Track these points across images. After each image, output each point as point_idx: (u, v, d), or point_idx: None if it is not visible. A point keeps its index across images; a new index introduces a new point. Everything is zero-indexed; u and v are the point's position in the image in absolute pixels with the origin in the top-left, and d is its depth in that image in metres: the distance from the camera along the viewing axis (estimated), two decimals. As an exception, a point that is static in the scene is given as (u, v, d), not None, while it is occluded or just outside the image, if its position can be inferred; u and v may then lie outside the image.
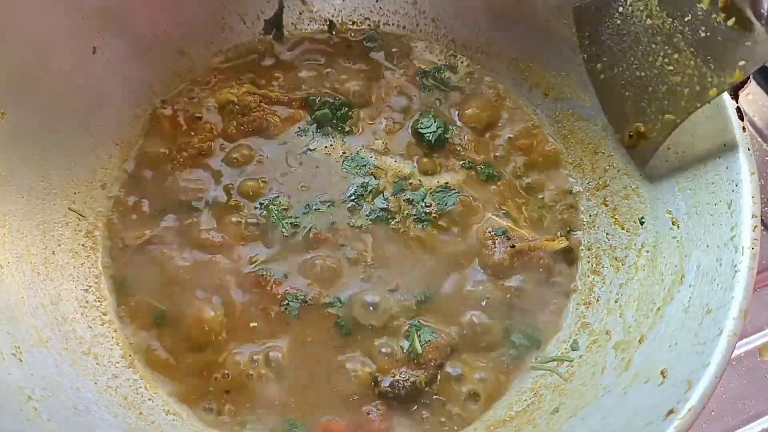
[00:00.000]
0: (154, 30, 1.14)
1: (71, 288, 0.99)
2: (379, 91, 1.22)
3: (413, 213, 1.09)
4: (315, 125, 1.17)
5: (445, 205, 1.10)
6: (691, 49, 0.90)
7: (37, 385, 0.83)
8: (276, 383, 0.97)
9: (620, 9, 0.98)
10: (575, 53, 1.11)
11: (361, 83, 1.22)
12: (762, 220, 0.90)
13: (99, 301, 1.01)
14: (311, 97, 1.19)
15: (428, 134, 1.15)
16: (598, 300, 1.03)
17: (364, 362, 0.98)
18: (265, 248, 1.06)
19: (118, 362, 0.96)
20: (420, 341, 0.98)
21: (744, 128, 0.91)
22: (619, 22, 0.99)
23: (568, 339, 1.02)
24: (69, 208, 1.04)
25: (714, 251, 0.88)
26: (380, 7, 1.26)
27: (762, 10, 0.85)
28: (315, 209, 1.09)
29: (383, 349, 0.99)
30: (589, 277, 1.06)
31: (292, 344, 0.99)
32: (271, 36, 1.25)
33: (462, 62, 1.25)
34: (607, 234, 1.07)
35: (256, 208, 1.09)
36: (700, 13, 0.89)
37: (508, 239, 1.06)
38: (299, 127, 1.18)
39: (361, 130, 1.18)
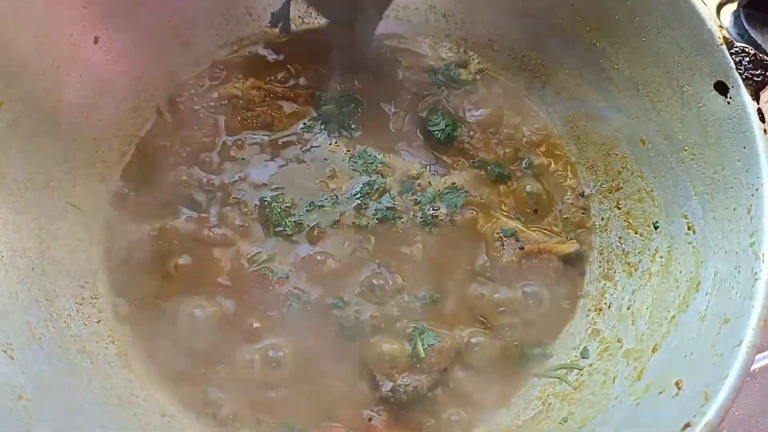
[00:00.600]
0: (158, 20, 1.11)
1: (66, 284, 0.96)
2: (387, 87, 1.19)
3: (420, 215, 1.06)
4: (320, 121, 1.14)
5: (454, 207, 1.07)
6: None
7: (29, 384, 0.80)
8: (275, 386, 0.95)
9: None
10: (590, 51, 1.09)
11: (368, 79, 1.19)
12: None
13: (95, 298, 0.98)
14: (317, 93, 1.16)
15: (437, 132, 1.12)
16: (609, 306, 1.00)
17: (365, 366, 0.95)
18: (268, 246, 1.03)
19: (112, 361, 0.94)
20: (423, 345, 0.95)
21: (765, 131, 0.87)
22: None
23: (578, 346, 0.99)
24: (67, 202, 1.01)
25: (732, 258, 0.84)
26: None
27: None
28: (319, 207, 1.06)
29: (385, 353, 0.96)
30: (600, 282, 1.03)
31: (292, 346, 0.96)
32: (277, 29, 1.22)
33: (473, 59, 1.22)
34: (619, 238, 1.04)
35: (257, 205, 1.06)
36: None
37: (517, 241, 1.03)
38: (304, 123, 1.15)
39: (367, 127, 1.15)
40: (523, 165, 1.12)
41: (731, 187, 0.89)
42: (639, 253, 1.00)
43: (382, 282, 1.01)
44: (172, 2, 1.11)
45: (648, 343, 0.89)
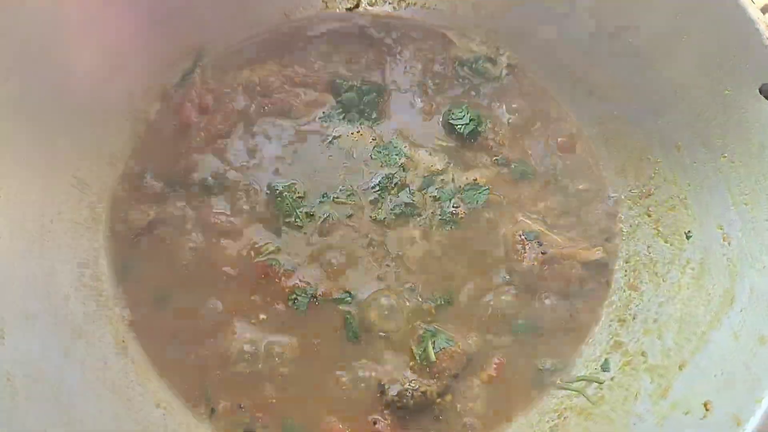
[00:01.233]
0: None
1: (67, 260, 0.92)
2: (411, 78, 1.14)
3: (439, 213, 1.01)
4: (340, 110, 1.10)
5: (475, 203, 1.02)
6: None
7: (19, 368, 0.76)
8: (276, 382, 0.90)
9: None
10: (624, 48, 1.03)
11: (392, 69, 1.14)
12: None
13: (96, 279, 0.95)
14: (337, 80, 1.12)
15: (460, 126, 1.07)
16: (634, 318, 0.94)
17: (372, 367, 0.90)
18: (277, 237, 0.99)
19: (109, 345, 0.90)
20: (434, 348, 0.90)
21: (814, 139, 0.82)
22: None
23: (599, 358, 0.94)
24: (73, 176, 0.97)
25: (771, 273, 0.79)
26: (420, -10, 1.18)
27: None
28: (333, 198, 1.01)
29: (394, 355, 0.91)
30: (625, 291, 0.97)
31: (296, 341, 0.92)
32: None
33: (503, 53, 1.16)
34: (648, 246, 0.98)
35: (267, 194, 1.01)
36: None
37: (540, 245, 0.98)
38: (323, 112, 1.10)
39: (389, 118, 1.10)
40: (549, 165, 1.07)
41: (773, 198, 0.83)
42: (668, 263, 0.94)
43: (395, 280, 0.96)
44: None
45: (675, 360, 0.83)
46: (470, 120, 1.07)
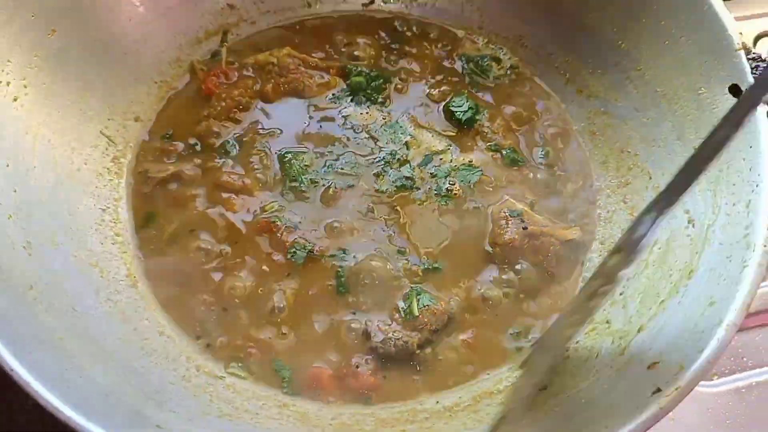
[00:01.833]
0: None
1: (90, 204, 1.02)
2: (418, 69, 1.24)
3: (435, 188, 1.09)
4: (349, 92, 1.19)
5: (468, 182, 1.10)
6: None
7: (41, 279, 0.85)
8: (270, 325, 0.98)
9: None
10: (613, 52, 1.13)
11: (401, 61, 1.24)
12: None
13: (114, 222, 1.04)
14: (348, 66, 1.22)
15: (459, 113, 1.16)
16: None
17: (360, 317, 0.98)
18: (282, 198, 1.08)
19: (122, 280, 0.99)
20: (418, 305, 0.98)
21: (772, 131, 0.90)
22: None
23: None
24: (101, 132, 1.07)
25: (726, 249, 0.86)
26: (430, -10, 1.28)
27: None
28: (339, 169, 1.10)
29: (381, 308, 0.99)
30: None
31: (292, 291, 1.00)
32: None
33: (506, 55, 1.26)
34: (622, 230, 1.06)
35: (278, 158, 1.11)
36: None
37: (522, 221, 1.06)
38: (333, 94, 1.20)
39: (394, 102, 1.19)
40: (539, 154, 1.16)
41: (734, 184, 0.91)
42: (639, 244, 1.02)
43: (388, 242, 1.04)
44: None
45: (635, 325, 0.90)
46: (469, 108, 1.17)
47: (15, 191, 0.90)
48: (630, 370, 0.83)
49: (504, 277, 1.04)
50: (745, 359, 1.09)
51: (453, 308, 1.00)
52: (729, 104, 0.95)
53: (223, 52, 1.22)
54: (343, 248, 1.03)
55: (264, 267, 1.02)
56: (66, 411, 0.69)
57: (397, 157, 1.12)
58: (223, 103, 1.17)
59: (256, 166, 1.10)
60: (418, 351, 0.96)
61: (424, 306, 0.98)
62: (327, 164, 1.11)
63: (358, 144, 1.13)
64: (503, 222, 1.06)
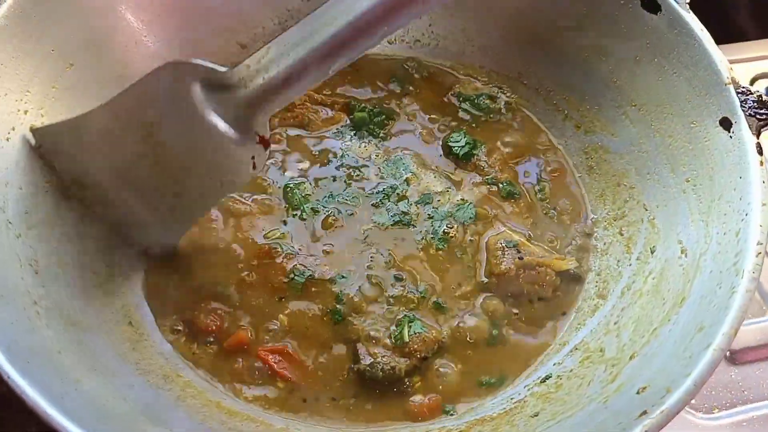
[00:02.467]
0: (213, 19, 1.24)
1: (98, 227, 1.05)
2: (418, 107, 1.28)
3: (431, 231, 1.11)
4: (351, 127, 1.23)
5: (464, 221, 1.12)
6: None
7: (45, 298, 0.88)
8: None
9: None
10: (610, 89, 1.16)
11: (402, 100, 1.29)
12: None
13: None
14: (353, 102, 1.26)
15: (457, 148, 1.19)
16: (598, 323, 1.02)
17: (352, 341, 1.00)
18: (284, 226, 1.11)
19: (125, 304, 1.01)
20: (409, 332, 0.99)
21: (762, 162, 0.91)
22: None
23: (562, 361, 1.01)
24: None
25: (716, 276, 0.87)
26: (432, 31, 1.33)
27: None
28: (339, 199, 1.13)
29: (372, 332, 1.00)
30: (594, 300, 1.06)
31: (288, 315, 1.02)
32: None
33: (503, 92, 1.29)
34: (618, 261, 1.07)
35: (280, 188, 1.14)
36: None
37: (518, 252, 1.07)
38: (337, 128, 1.24)
39: (395, 137, 1.23)
40: (536, 188, 1.18)
41: (725, 214, 0.92)
42: (634, 275, 1.03)
43: (386, 269, 1.06)
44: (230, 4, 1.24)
45: (627, 353, 0.91)
46: (466, 143, 1.20)
47: (26, 213, 0.94)
48: (620, 395, 0.83)
49: (499, 305, 1.05)
50: (745, 392, 1.08)
51: (444, 336, 1.01)
52: (720, 137, 0.97)
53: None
54: (341, 275, 1.05)
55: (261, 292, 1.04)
56: (60, 419, 0.71)
57: (397, 191, 1.15)
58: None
59: (260, 195, 1.13)
60: (405, 379, 0.97)
61: (416, 333, 0.99)
62: (328, 194, 1.14)
63: (358, 176, 1.16)
64: (499, 252, 1.08)
